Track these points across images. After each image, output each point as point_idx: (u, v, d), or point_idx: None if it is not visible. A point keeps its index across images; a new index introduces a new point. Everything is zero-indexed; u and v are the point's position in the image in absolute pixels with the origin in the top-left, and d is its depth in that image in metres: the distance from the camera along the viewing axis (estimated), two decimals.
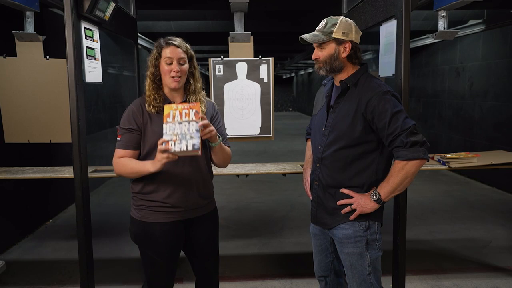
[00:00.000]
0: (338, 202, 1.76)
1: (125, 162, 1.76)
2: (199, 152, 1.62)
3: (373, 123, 1.66)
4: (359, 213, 1.72)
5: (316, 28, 1.76)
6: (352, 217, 1.74)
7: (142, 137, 1.77)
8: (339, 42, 1.72)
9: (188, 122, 1.64)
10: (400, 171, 1.62)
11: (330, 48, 1.73)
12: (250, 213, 4.75)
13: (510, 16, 4.62)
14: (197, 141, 1.63)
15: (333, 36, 1.70)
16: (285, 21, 6.27)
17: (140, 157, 1.80)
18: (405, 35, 1.94)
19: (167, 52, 1.73)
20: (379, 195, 1.69)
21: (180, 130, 1.63)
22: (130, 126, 1.76)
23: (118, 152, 1.77)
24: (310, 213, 1.93)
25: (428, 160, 1.66)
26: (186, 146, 1.62)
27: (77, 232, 2.05)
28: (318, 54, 1.76)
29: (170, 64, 1.74)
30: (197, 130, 1.64)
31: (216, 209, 1.99)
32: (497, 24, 5.24)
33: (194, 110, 1.66)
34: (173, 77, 1.74)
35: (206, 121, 1.66)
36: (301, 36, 1.76)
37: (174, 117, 1.64)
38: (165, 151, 1.59)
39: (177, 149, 1.60)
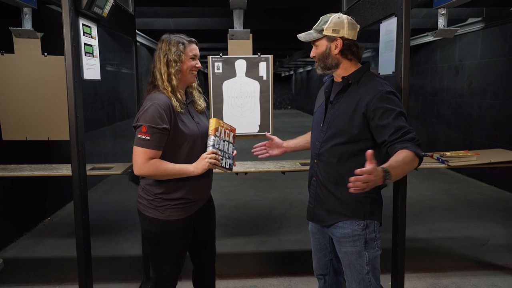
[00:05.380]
0: (356, 171, 1.39)
1: (164, 166, 1.73)
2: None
3: (373, 120, 1.64)
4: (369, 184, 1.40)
5: (313, 26, 1.77)
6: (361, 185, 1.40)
7: (169, 136, 1.75)
8: (330, 39, 1.72)
9: (229, 142, 1.88)
10: (410, 162, 1.51)
11: (322, 45, 1.74)
12: (248, 211, 4.75)
13: (509, 14, 4.61)
14: (231, 161, 1.88)
15: (323, 33, 1.71)
16: (284, 19, 6.25)
17: (164, 156, 1.76)
18: (405, 33, 1.93)
19: (192, 48, 1.82)
20: (390, 176, 1.46)
21: (223, 147, 1.83)
22: (164, 126, 1.70)
23: (149, 152, 1.69)
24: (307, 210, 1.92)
25: (416, 169, 1.65)
26: (226, 164, 1.83)
27: (75, 230, 2.04)
28: (314, 52, 1.78)
29: (194, 60, 1.84)
30: (232, 152, 1.89)
31: (212, 197, 2.08)
32: (496, 22, 5.23)
33: (232, 134, 1.91)
34: (194, 72, 1.85)
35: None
36: (297, 35, 1.78)
37: (221, 133, 1.82)
38: (214, 161, 1.75)
39: (220, 164, 1.79)
